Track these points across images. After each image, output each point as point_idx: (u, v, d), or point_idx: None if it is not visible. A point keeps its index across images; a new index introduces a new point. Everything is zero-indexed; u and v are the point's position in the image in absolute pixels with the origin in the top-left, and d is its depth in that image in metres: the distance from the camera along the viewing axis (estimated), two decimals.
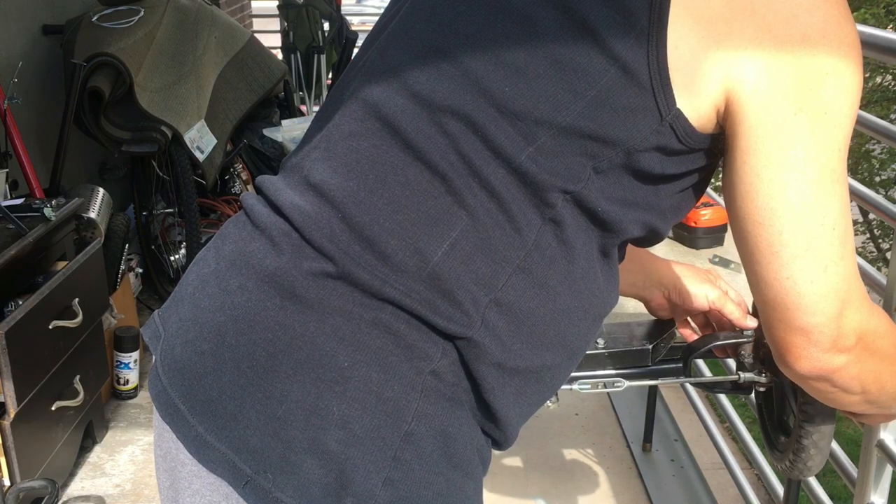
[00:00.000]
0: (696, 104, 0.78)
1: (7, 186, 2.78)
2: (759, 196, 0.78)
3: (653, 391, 2.62)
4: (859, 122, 1.46)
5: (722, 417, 2.65)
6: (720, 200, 2.06)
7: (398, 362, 0.79)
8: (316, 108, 4.91)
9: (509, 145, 0.79)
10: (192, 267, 0.91)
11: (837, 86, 0.77)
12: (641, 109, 0.78)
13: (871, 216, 5.52)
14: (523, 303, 0.81)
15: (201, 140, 3.42)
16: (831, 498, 1.72)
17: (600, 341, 1.16)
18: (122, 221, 3.20)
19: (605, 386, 1.15)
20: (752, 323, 1.14)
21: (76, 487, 2.53)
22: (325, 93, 4.98)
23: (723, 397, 2.31)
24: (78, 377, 2.45)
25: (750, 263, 0.82)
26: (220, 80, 3.65)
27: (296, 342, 0.79)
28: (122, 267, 3.13)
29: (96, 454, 2.68)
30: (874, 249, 5.76)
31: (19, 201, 2.58)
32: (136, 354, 2.94)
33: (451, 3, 0.85)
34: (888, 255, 5.31)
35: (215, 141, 3.50)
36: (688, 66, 0.77)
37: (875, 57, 1.36)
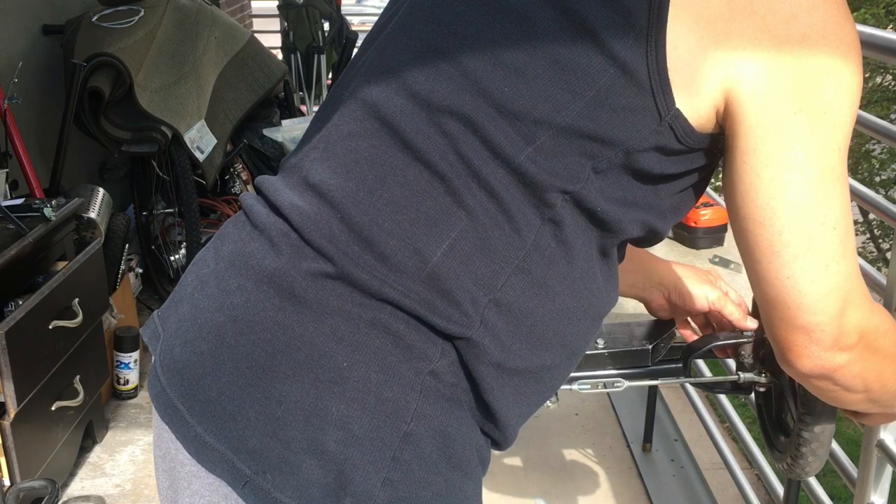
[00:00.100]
0: (695, 104, 0.78)
1: (7, 186, 2.78)
2: (759, 196, 0.78)
3: (653, 391, 2.62)
4: (859, 122, 1.46)
5: (722, 417, 2.65)
6: (720, 200, 2.06)
7: (397, 362, 0.79)
8: (316, 108, 4.90)
9: (508, 145, 0.79)
10: (191, 267, 0.91)
11: (837, 85, 0.77)
12: (640, 109, 0.78)
13: (871, 216, 5.52)
14: (522, 303, 0.81)
15: (201, 140, 3.42)
16: (831, 498, 1.72)
17: (600, 341, 1.16)
18: (122, 221, 3.20)
19: (605, 386, 1.15)
20: (752, 324, 1.14)
21: (76, 487, 2.53)
22: (325, 93, 4.98)
23: (723, 397, 2.31)
24: (78, 377, 2.45)
25: (751, 263, 0.82)
26: (220, 80, 3.65)
27: (295, 342, 0.79)
28: (122, 267, 3.13)
29: (96, 454, 2.68)
30: (874, 249, 5.76)
31: (19, 201, 2.58)
32: (136, 354, 2.95)
33: (450, 4, 0.85)
34: (888, 255, 5.31)
35: (215, 141, 3.50)
36: (687, 66, 0.77)
37: (875, 57, 1.36)
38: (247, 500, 0.79)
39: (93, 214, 2.94)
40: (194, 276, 0.89)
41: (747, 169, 0.78)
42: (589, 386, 1.15)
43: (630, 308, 1.50)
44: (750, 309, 1.18)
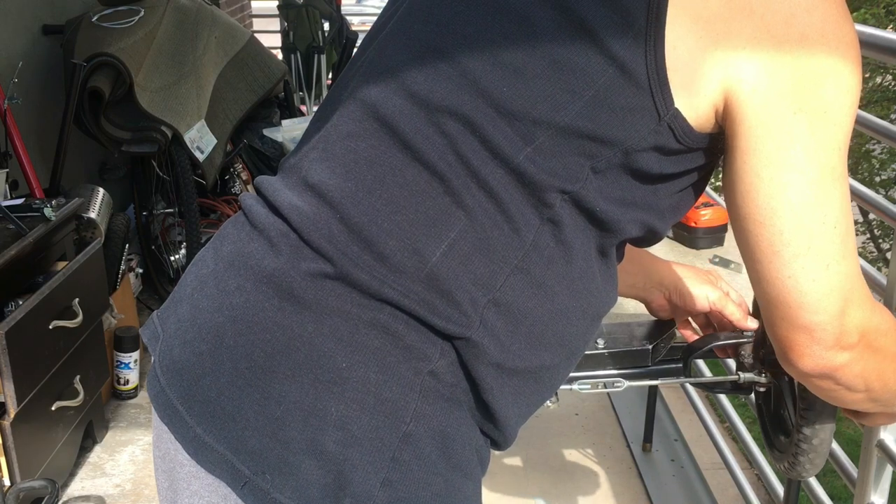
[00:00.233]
0: (694, 104, 0.78)
1: (7, 186, 2.78)
2: (759, 196, 0.78)
3: (653, 391, 2.62)
4: (859, 122, 1.46)
5: (722, 417, 2.65)
6: (720, 200, 2.06)
7: (396, 363, 0.79)
8: (316, 108, 4.90)
9: (507, 145, 0.79)
10: (190, 267, 0.91)
11: (836, 85, 0.77)
12: (639, 109, 0.78)
13: (871, 216, 5.52)
14: (521, 303, 0.81)
15: (201, 140, 3.42)
16: (831, 498, 1.72)
17: (600, 341, 1.16)
18: (122, 221, 3.20)
19: (605, 386, 1.15)
20: (752, 324, 1.14)
21: (76, 487, 2.53)
22: (325, 93, 4.97)
23: (723, 397, 2.31)
24: (78, 377, 2.45)
25: (751, 262, 0.82)
26: (220, 80, 3.65)
27: (294, 343, 0.79)
28: (122, 267, 3.13)
29: (96, 454, 2.68)
30: (874, 249, 5.76)
31: (19, 201, 2.58)
32: (136, 354, 2.95)
33: (448, 4, 0.85)
34: (888, 255, 5.31)
35: (215, 141, 3.50)
36: (686, 66, 0.77)
37: (875, 57, 1.36)
38: (246, 500, 0.79)
39: (93, 214, 2.94)
40: (193, 276, 0.89)
41: (747, 169, 0.78)
42: (589, 386, 1.15)
43: (630, 308, 1.50)
44: (750, 309, 1.18)
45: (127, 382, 2.96)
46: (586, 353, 1.14)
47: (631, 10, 0.77)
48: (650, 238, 0.89)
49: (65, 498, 2.45)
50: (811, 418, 1.08)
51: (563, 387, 1.08)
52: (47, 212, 2.43)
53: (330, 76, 5.06)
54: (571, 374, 1.12)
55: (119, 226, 3.16)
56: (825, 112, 0.77)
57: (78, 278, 2.45)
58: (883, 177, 5.91)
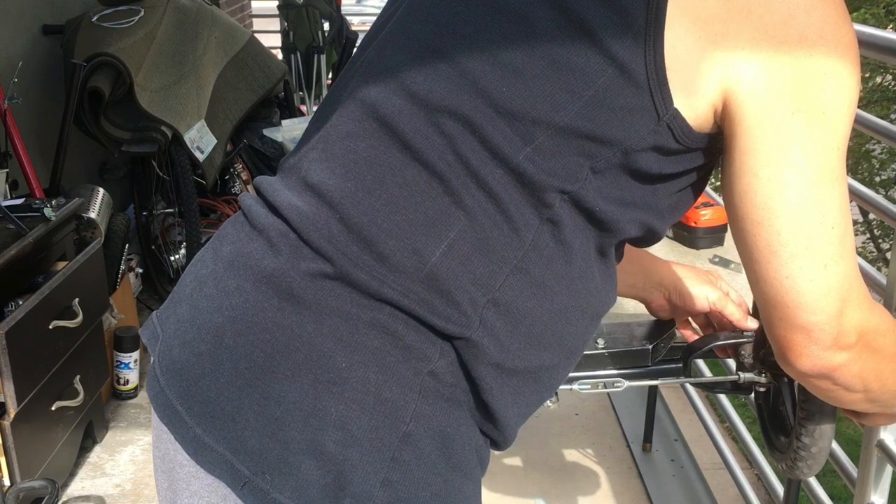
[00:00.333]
0: (693, 104, 0.78)
1: (7, 186, 2.78)
2: (757, 196, 0.78)
3: (653, 391, 2.62)
4: (859, 122, 1.46)
5: (722, 417, 2.65)
6: (720, 200, 2.06)
7: (396, 363, 0.79)
8: (316, 108, 4.90)
9: (507, 145, 0.79)
10: (190, 268, 0.91)
11: (835, 85, 0.77)
12: (639, 109, 0.78)
13: (871, 216, 5.52)
14: (521, 303, 0.81)
15: (201, 140, 3.42)
16: (831, 498, 1.72)
17: (600, 341, 1.16)
18: (122, 221, 3.20)
19: (605, 386, 1.15)
20: (752, 324, 1.14)
21: (76, 487, 2.53)
22: (325, 93, 4.97)
23: (723, 397, 2.31)
24: (78, 377, 2.45)
25: (749, 262, 0.82)
26: (220, 80, 3.65)
27: (294, 343, 0.79)
28: (122, 267, 3.13)
29: (96, 454, 2.68)
30: (874, 249, 5.76)
31: (19, 201, 2.58)
32: (136, 354, 2.95)
33: (448, 4, 0.85)
34: (888, 255, 5.31)
35: (215, 141, 3.50)
36: (685, 66, 0.77)
37: (875, 57, 1.36)
38: (246, 500, 0.79)
39: (93, 214, 2.94)
40: (193, 276, 0.89)
41: (745, 169, 0.78)
42: (589, 386, 1.15)
43: (630, 308, 1.50)
44: (750, 309, 1.18)
45: (127, 382, 2.96)
46: (586, 353, 1.14)
47: (630, 10, 0.77)
48: (649, 238, 0.89)
49: (65, 498, 2.45)
50: (811, 418, 1.08)
51: (563, 387, 1.08)
52: (47, 212, 2.43)
53: (330, 76, 5.06)
54: (571, 374, 1.12)
55: (119, 226, 3.16)
56: (824, 112, 0.77)
57: (78, 278, 2.45)
58: (883, 177, 5.91)
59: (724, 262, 1.91)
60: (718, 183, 0.87)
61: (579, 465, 2.66)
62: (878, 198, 1.54)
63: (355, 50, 0.97)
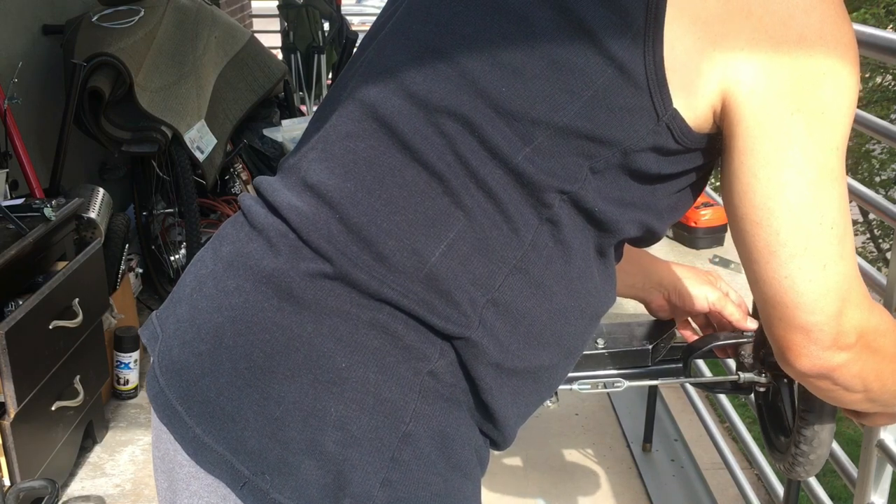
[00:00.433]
0: (692, 104, 0.78)
1: (7, 186, 2.78)
2: (756, 196, 0.78)
3: (653, 391, 2.62)
4: (859, 122, 1.46)
5: (722, 417, 2.65)
6: (720, 200, 2.05)
7: (396, 363, 0.79)
8: (316, 108, 4.90)
9: (506, 146, 0.79)
10: (189, 268, 0.91)
11: (835, 86, 0.77)
12: (638, 109, 0.78)
13: (871, 216, 5.52)
14: (520, 303, 0.81)
15: (201, 140, 3.42)
16: (831, 498, 1.72)
17: (600, 341, 1.16)
18: (122, 221, 3.20)
19: (605, 386, 1.15)
20: (752, 324, 1.14)
21: (76, 487, 2.53)
22: (325, 93, 4.97)
23: (723, 397, 2.31)
24: (78, 377, 2.45)
25: (748, 262, 0.82)
26: (220, 80, 3.65)
27: (293, 343, 0.79)
28: (122, 267, 3.13)
29: (96, 454, 2.68)
30: (874, 249, 5.76)
31: (19, 201, 2.58)
32: (136, 354, 2.95)
33: (447, 4, 0.85)
34: (888, 255, 5.31)
35: (215, 141, 3.50)
36: (684, 66, 0.77)
37: (875, 57, 1.36)
38: (245, 500, 0.79)
39: (93, 214, 2.94)
40: (193, 276, 0.89)
41: (745, 169, 0.78)
42: (589, 386, 1.15)
43: (630, 308, 1.50)
44: (750, 309, 1.18)
45: (127, 382, 2.96)
46: (586, 353, 1.14)
47: (630, 10, 0.77)
48: (649, 238, 0.89)
49: (65, 498, 2.45)
50: (811, 418, 1.08)
51: (563, 387, 1.08)
52: (47, 212, 2.43)
53: (330, 76, 5.06)
54: (571, 374, 1.12)
55: (119, 226, 3.16)
56: (823, 113, 0.77)
57: (78, 278, 2.45)
58: (883, 177, 5.91)
59: (724, 262, 1.91)
60: (718, 183, 0.87)
61: (579, 465, 2.66)
62: (878, 198, 1.54)
63: (355, 50, 0.97)
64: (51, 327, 2.28)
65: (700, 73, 0.77)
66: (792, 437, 1.12)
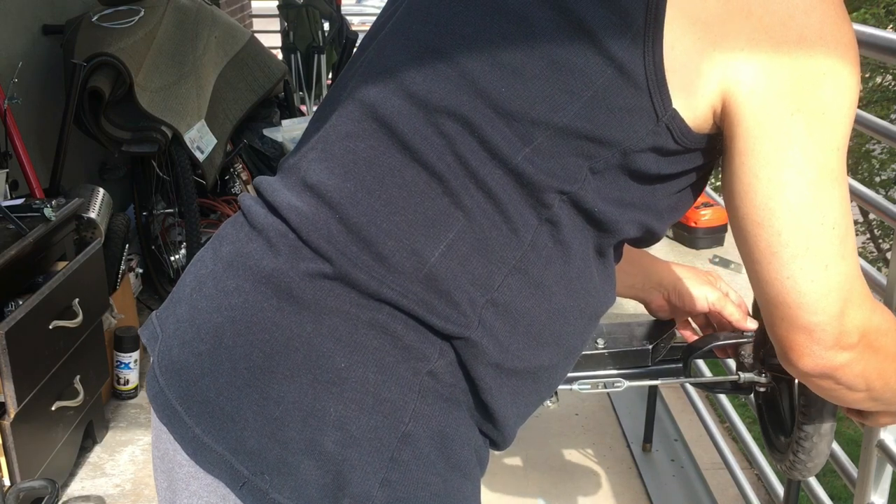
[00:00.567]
0: (692, 105, 0.78)
1: (7, 186, 2.78)
2: (757, 196, 0.78)
3: (653, 391, 2.62)
4: (859, 122, 1.46)
5: (722, 417, 2.65)
6: (720, 200, 2.06)
7: (395, 363, 0.79)
8: (316, 108, 4.89)
9: (506, 146, 0.79)
10: (189, 268, 0.91)
11: (835, 86, 0.77)
12: (637, 110, 0.78)
13: (871, 216, 5.52)
14: (519, 303, 0.81)
15: (201, 140, 3.42)
16: (831, 498, 1.72)
17: (600, 341, 1.16)
18: (122, 221, 3.20)
19: (605, 386, 1.15)
20: (752, 324, 1.14)
21: (76, 487, 2.53)
22: (325, 93, 4.97)
23: (723, 397, 2.31)
24: (78, 377, 2.45)
25: (750, 263, 0.82)
26: (220, 80, 3.65)
27: (293, 343, 0.79)
28: (122, 267, 3.13)
29: (96, 454, 2.68)
30: (874, 249, 5.76)
31: (19, 201, 2.58)
32: (136, 354, 2.95)
33: (447, 4, 0.85)
34: (888, 255, 5.31)
35: (215, 141, 3.50)
36: (684, 67, 0.77)
37: (875, 57, 1.36)
38: (245, 500, 0.79)
39: (93, 214, 2.94)
40: (192, 276, 0.89)
41: (745, 170, 0.78)
42: (589, 386, 1.15)
43: (630, 308, 1.50)
44: (750, 310, 1.18)
45: (127, 382, 2.96)
46: (586, 353, 1.14)
47: (629, 10, 0.77)
48: (648, 238, 0.89)
49: (65, 498, 2.45)
50: (811, 418, 1.08)
51: (562, 387, 1.08)
52: (47, 212, 2.43)
53: (330, 76, 5.06)
54: (571, 374, 1.12)
55: (119, 226, 3.16)
56: (823, 113, 0.77)
57: (78, 278, 2.45)
58: (883, 177, 5.91)
59: (724, 262, 1.91)
60: (718, 183, 0.87)
61: (579, 465, 2.66)
62: (878, 198, 1.54)
63: (355, 50, 0.97)
64: (51, 327, 2.28)
65: (700, 74, 0.77)
66: (792, 437, 1.12)
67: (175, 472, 0.86)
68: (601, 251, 0.86)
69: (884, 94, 5.78)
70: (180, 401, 0.83)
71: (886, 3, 5.52)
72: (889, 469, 1.38)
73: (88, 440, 2.66)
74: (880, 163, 5.78)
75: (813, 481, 1.72)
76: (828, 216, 0.78)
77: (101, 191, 3.09)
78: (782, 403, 1.17)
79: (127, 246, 3.22)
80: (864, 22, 5.03)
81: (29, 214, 2.43)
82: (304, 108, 4.85)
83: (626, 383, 1.16)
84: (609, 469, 2.63)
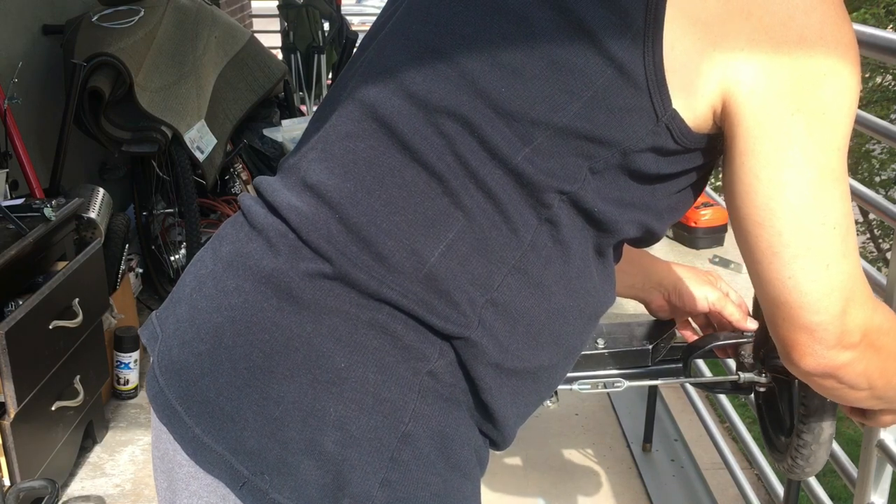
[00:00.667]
0: (692, 105, 0.78)
1: (7, 186, 2.78)
2: (758, 197, 0.78)
3: (653, 391, 2.62)
4: (859, 122, 1.46)
5: (722, 417, 2.65)
6: (720, 200, 2.06)
7: (395, 363, 0.79)
8: (316, 108, 4.89)
9: (506, 146, 0.79)
10: (189, 268, 0.91)
11: (835, 86, 0.76)
12: (637, 110, 0.78)
13: (871, 216, 5.52)
14: (519, 302, 0.81)
15: (201, 140, 3.42)
16: (831, 498, 1.72)
17: (600, 341, 1.16)
18: (122, 221, 3.20)
19: (605, 386, 1.15)
20: (752, 324, 1.14)
21: (76, 487, 2.53)
22: (325, 93, 4.97)
23: (723, 397, 2.31)
24: (78, 377, 2.45)
25: (752, 263, 0.82)
26: (220, 80, 3.65)
27: (293, 343, 0.79)
28: (122, 267, 3.13)
29: (96, 454, 2.68)
30: (874, 249, 5.76)
31: (19, 201, 2.58)
32: (136, 354, 2.95)
33: (447, 4, 0.85)
34: (888, 255, 5.31)
35: (215, 141, 3.50)
36: (684, 67, 0.77)
37: (875, 57, 1.36)
38: (245, 500, 0.79)
39: (93, 214, 2.94)
40: (192, 276, 0.89)
41: (746, 170, 0.78)
42: (589, 386, 1.15)
43: (630, 308, 1.50)
44: (750, 310, 1.17)
45: (127, 382, 2.96)
46: (586, 353, 1.14)
47: (629, 10, 0.77)
48: (648, 238, 0.89)
49: (65, 498, 2.45)
50: (811, 418, 1.08)
51: (562, 387, 1.08)
52: (47, 212, 2.43)
53: (330, 76, 5.06)
54: (571, 374, 1.12)
55: (119, 226, 3.16)
56: (823, 113, 0.77)
57: (78, 278, 2.45)
58: (883, 177, 5.91)
59: (724, 262, 1.91)
60: (718, 183, 0.87)
61: (579, 465, 2.66)
62: (878, 198, 1.54)
63: (355, 50, 0.97)
64: (51, 327, 2.28)
65: (700, 74, 0.77)
66: (792, 437, 1.12)
67: (175, 472, 0.86)
68: (601, 251, 0.86)
69: (884, 94, 5.77)
70: (180, 401, 0.83)
71: (886, 3, 5.51)
72: (889, 469, 1.38)
73: (88, 440, 2.66)
74: (880, 163, 5.78)
75: (813, 481, 1.72)
76: (829, 216, 0.78)
77: (101, 191, 3.09)
78: (782, 403, 1.17)
79: (127, 246, 3.22)
80: (864, 22, 5.03)
81: (29, 214, 2.43)
82: (304, 108, 4.85)
83: (626, 383, 1.16)
84: (609, 469, 2.63)
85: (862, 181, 5.35)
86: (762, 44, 0.76)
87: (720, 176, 0.84)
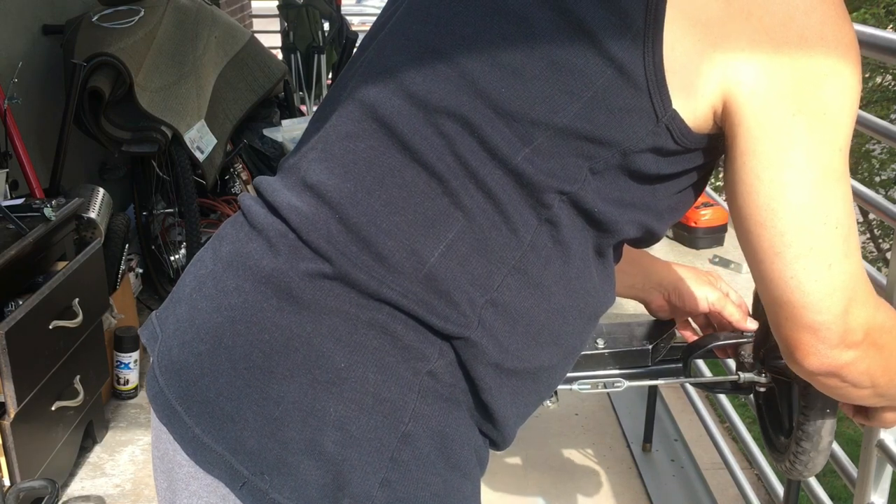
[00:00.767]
0: (692, 105, 0.78)
1: (7, 186, 2.78)
2: (759, 197, 0.78)
3: (653, 391, 2.62)
4: (859, 122, 1.46)
5: (722, 417, 2.65)
6: (720, 200, 2.06)
7: (395, 363, 0.79)
8: (316, 108, 4.89)
9: (505, 146, 0.79)
10: (189, 268, 0.91)
11: (836, 86, 0.76)
12: (637, 111, 0.78)
13: (871, 216, 5.52)
14: (519, 303, 0.81)
15: (201, 140, 3.42)
16: (831, 498, 1.72)
17: (600, 341, 1.16)
18: (122, 221, 3.20)
19: (605, 386, 1.15)
20: (752, 324, 1.14)
21: (76, 487, 2.53)
22: (325, 93, 4.97)
23: (723, 397, 2.31)
24: (78, 377, 2.45)
25: (754, 263, 0.82)
26: (220, 80, 3.65)
27: (292, 343, 0.79)
28: (122, 267, 3.13)
29: (96, 454, 2.68)
30: (874, 249, 5.76)
31: (19, 201, 2.58)
32: (136, 354, 2.95)
33: (447, 4, 0.85)
34: (888, 255, 5.31)
35: (215, 141, 3.50)
36: (684, 68, 0.77)
37: (875, 57, 1.36)
38: (244, 500, 0.79)
39: (93, 214, 2.94)
40: (192, 276, 0.89)
41: (747, 170, 0.78)
42: (589, 386, 1.15)
43: (630, 308, 1.50)
44: (750, 310, 1.17)
45: (127, 382, 2.96)
46: (586, 353, 1.14)
47: (629, 11, 0.77)
48: (648, 239, 0.89)
49: (65, 498, 2.45)
50: (811, 418, 1.08)
51: (562, 387, 1.08)
52: (47, 212, 2.43)
53: (330, 76, 5.06)
54: (571, 374, 1.12)
55: (119, 226, 3.16)
56: (824, 113, 0.77)
57: (78, 278, 2.45)
58: (883, 177, 5.91)
59: (724, 262, 1.91)
60: (719, 183, 0.87)
61: (579, 465, 2.66)
62: (878, 198, 1.54)
63: (355, 50, 0.97)
64: (51, 327, 2.28)
65: (700, 74, 0.77)
66: (792, 437, 1.12)
67: (175, 472, 0.86)
68: (601, 251, 0.86)
69: (884, 94, 5.77)
70: (180, 401, 0.83)
71: (886, 3, 5.51)
72: (889, 469, 1.38)
73: (88, 440, 2.66)
74: (880, 163, 5.78)
75: (813, 481, 1.73)
76: (830, 216, 0.78)
77: (101, 191, 3.09)
78: (782, 404, 1.17)
79: (127, 246, 3.22)
80: (864, 22, 5.03)
81: (29, 214, 2.43)
82: (304, 108, 4.85)
83: (626, 383, 1.16)
84: (609, 469, 2.63)
85: (862, 181, 5.35)
86: (763, 44, 0.76)
87: (720, 176, 0.84)
